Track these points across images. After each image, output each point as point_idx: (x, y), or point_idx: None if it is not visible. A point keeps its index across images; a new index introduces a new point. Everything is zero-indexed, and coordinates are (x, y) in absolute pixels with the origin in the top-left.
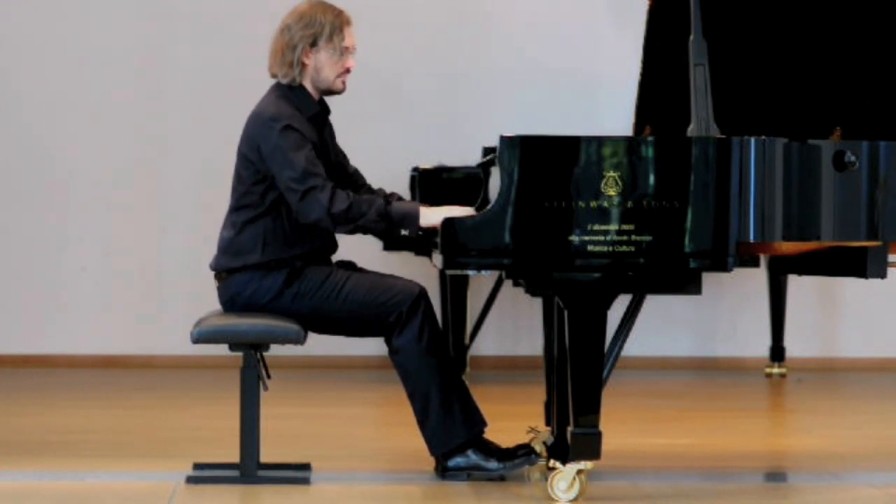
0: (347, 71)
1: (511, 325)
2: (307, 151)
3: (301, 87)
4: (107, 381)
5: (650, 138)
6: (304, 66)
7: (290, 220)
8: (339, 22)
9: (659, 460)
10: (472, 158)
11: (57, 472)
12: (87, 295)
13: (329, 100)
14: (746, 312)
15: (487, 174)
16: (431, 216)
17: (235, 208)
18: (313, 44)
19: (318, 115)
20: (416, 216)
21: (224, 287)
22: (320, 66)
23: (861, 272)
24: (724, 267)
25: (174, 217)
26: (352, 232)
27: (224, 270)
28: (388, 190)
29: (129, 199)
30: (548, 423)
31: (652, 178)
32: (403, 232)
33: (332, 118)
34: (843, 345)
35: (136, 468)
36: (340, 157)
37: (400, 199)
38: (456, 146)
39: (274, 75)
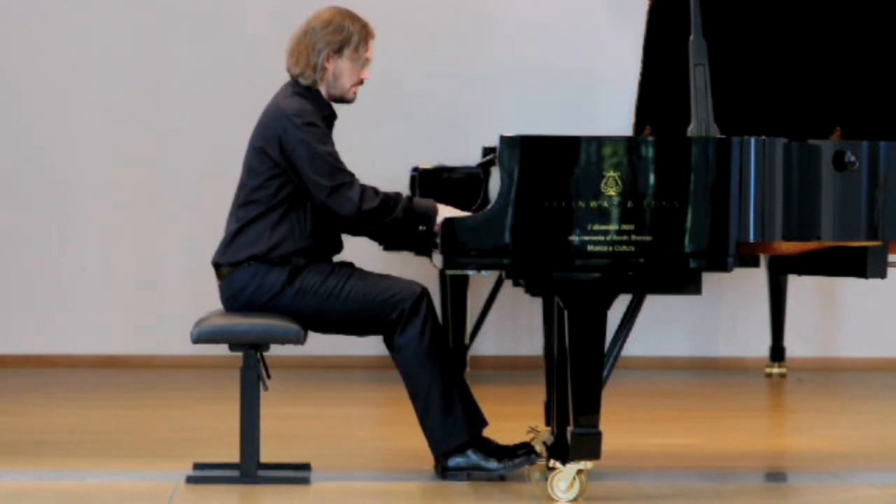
0: (361, 82)
1: (511, 325)
2: (331, 147)
3: (317, 91)
4: (107, 381)
5: (650, 138)
6: (325, 70)
7: (298, 216)
8: (366, 33)
9: (659, 460)
10: (472, 158)
11: (57, 472)
12: (87, 295)
13: None
14: (746, 312)
15: (487, 174)
16: (446, 214)
17: (244, 203)
18: (338, 50)
19: (329, 117)
20: (434, 213)
21: (226, 284)
22: (339, 73)
23: (861, 272)
24: (723, 267)
25: (174, 217)
26: (374, 231)
27: (227, 264)
28: (387, 189)
29: (129, 199)
30: (548, 423)
31: (652, 178)
32: (421, 228)
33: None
34: (843, 345)
35: (136, 468)
36: None
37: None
38: (456, 146)
39: (293, 75)
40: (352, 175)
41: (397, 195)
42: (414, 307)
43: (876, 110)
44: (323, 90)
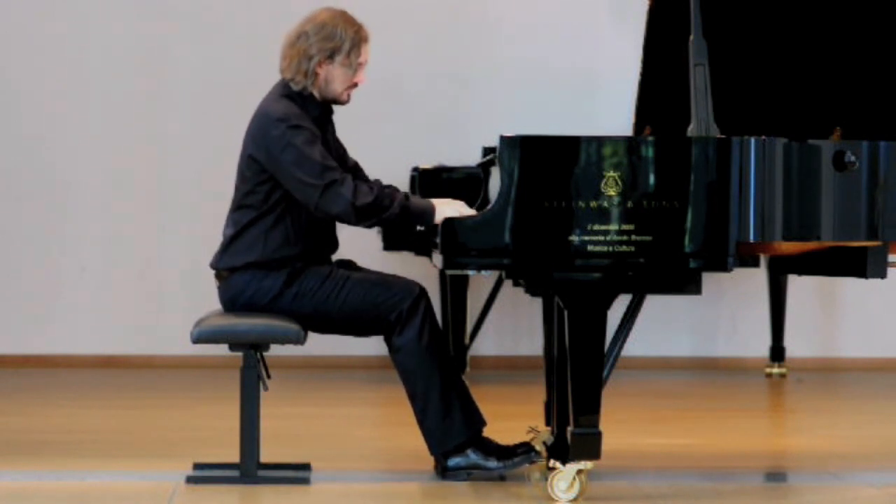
0: (355, 85)
1: (511, 325)
2: (319, 147)
3: (308, 94)
4: (107, 381)
5: (650, 138)
6: (316, 75)
7: (293, 218)
8: (359, 38)
9: (659, 460)
10: (472, 158)
11: (57, 472)
12: (87, 295)
13: None
14: (746, 312)
15: (487, 174)
16: (446, 211)
17: (238, 207)
18: (330, 56)
19: (321, 116)
20: (432, 213)
21: (225, 287)
22: (331, 78)
23: (861, 272)
24: (723, 267)
25: (174, 217)
26: (371, 226)
27: (225, 269)
28: None
29: (129, 200)
30: (548, 423)
31: (652, 178)
32: (420, 228)
33: (333, 117)
34: (843, 345)
35: (136, 468)
36: (341, 152)
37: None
38: (456, 146)
39: (285, 77)
40: (342, 172)
41: (394, 191)
42: (412, 308)
43: (876, 110)
44: (315, 93)
